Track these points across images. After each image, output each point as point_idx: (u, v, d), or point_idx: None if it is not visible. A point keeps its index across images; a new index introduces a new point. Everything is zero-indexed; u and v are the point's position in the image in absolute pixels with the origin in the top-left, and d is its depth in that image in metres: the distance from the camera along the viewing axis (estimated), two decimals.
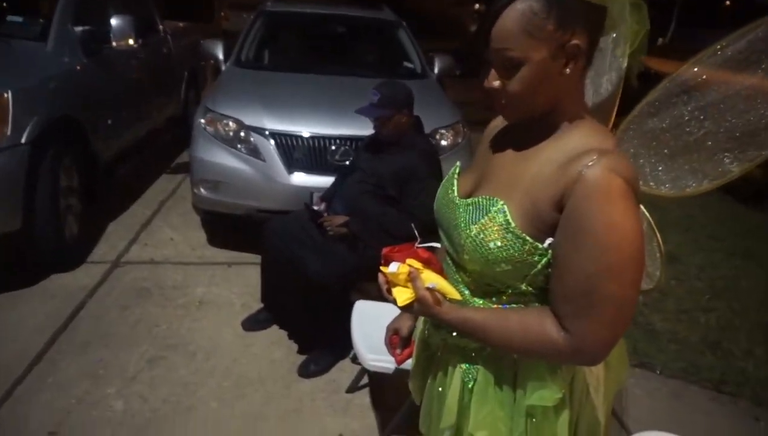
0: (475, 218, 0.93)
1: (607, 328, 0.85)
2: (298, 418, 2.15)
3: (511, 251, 0.89)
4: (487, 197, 0.94)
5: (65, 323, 2.57)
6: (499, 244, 0.89)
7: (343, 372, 2.39)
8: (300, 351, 2.50)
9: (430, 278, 0.94)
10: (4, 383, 2.18)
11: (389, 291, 0.97)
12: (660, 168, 0.96)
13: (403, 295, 0.95)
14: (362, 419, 2.16)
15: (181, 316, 2.72)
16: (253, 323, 2.66)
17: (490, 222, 0.91)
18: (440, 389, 1.12)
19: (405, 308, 0.96)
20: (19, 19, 3.38)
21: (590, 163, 0.83)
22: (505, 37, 0.87)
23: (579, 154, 0.86)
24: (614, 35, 1.00)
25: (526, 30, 0.85)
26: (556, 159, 0.89)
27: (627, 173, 0.83)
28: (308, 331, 2.49)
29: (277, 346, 2.55)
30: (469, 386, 1.03)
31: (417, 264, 0.96)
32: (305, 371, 2.37)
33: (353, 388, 2.30)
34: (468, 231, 0.93)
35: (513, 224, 0.89)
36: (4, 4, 3.58)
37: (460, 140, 3.34)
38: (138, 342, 2.49)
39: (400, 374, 1.79)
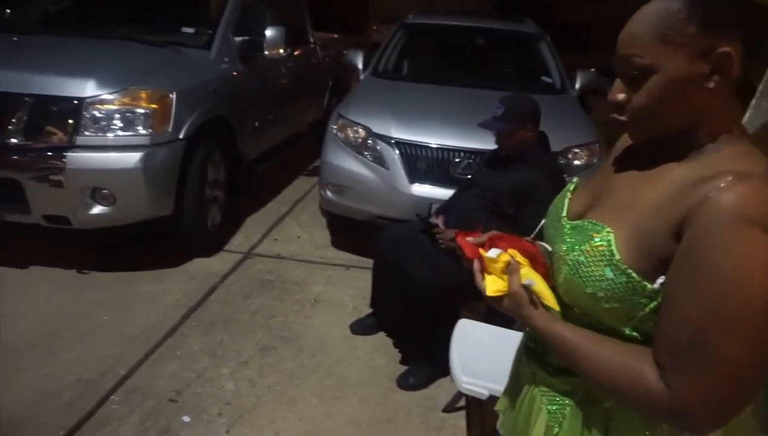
0: (577, 243, 0.83)
1: (717, 394, 0.70)
2: (390, 428, 2.14)
3: (612, 287, 0.77)
4: (593, 222, 0.83)
5: (197, 304, 2.84)
6: (598, 276, 0.79)
7: (441, 390, 2.34)
8: (402, 361, 2.50)
9: (530, 275, 0.85)
10: (143, 348, 2.46)
11: (483, 277, 0.89)
12: None
13: (494, 285, 0.86)
14: None
15: (296, 311, 2.86)
16: (360, 327, 2.71)
17: (593, 250, 0.80)
18: (524, 426, 1.03)
19: (493, 301, 0.87)
20: (191, 30, 3.83)
21: (722, 185, 0.69)
22: (633, 41, 0.76)
23: (712, 175, 0.71)
24: None
25: (659, 33, 0.73)
26: (684, 179, 0.75)
27: None
28: (412, 342, 2.48)
29: (380, 353, 2.57)
30: (554, 432, 0.93)
31: (520, 257, 0.87)
32: (404, 383, 2.36)
33: (450, 408, 2.23)
34: (567, 257, 0.84)
35: (617, 256, 0.77)
36: (181, 16, 4.07)
37: (595, 161, 3.12)
38: (254, 330, 2.67)
39: (497, 400, 1.70)
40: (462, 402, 2.23)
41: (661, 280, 0.75)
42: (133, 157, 2.78)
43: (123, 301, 2.80)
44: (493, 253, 0.87)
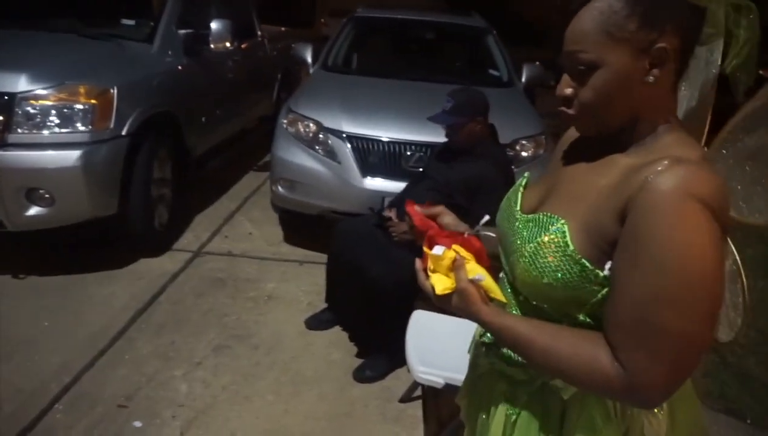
0: (533, 236, 0.86)
1: (665, 366, 0.74)
2: (349, 422, 2.15)
3: (568, 276, 0.80)
4: (548, 214, 0.86)
5: (146, 305, 2.75)
6: (554, 267, 0.81)
7: (398, 380, 2.36)
8: (358, 355, 2.51)
9: (476, 270, 0.84)
10: (89, 354, 2.36)
11: (427, 276, 0.88)
12: (756, 192, 0.82)
13: (442, 283, 0.85)
14: (412, 430, 2.12)
15: (250, 308, 2.82)
16: (316, 322, 2.70)
17: (548, 242, 0.83)
18: (484, 416, 1.05)
19: (442, 300, 0.86)
20: (132, 22, 3.68)
21: (660, 168, 0.73)
22: (579, 38, 0.80)
23: (651, 160, 0.76)
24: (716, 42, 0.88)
25: (603, 29, 0.77)
26: (628, 167, 0.80)
27: (705, 186, 0.72)
28: (367, 335, 2.49)
29: (336, 347, 2.57)
30: (512, 419, 0.95)
31: (464, 253, 0.87)
32: (360, 376, 2.36)
33: (407, 398, 2.26)
34: (523, 249, 0.86)
35: (571, 247, 0.80)
36: (122, 8, 3.90)
37: (541, 152, 3.21)
38: (207, 330, 2.61)
39: (453, 389, 1.73)
40: (418, 392, 2.26)
41: (609, 265, 0.79)
42: (71, 156, 2.66)
43: (66, 306, 2.68)
44: (437, 250, 0.86)
